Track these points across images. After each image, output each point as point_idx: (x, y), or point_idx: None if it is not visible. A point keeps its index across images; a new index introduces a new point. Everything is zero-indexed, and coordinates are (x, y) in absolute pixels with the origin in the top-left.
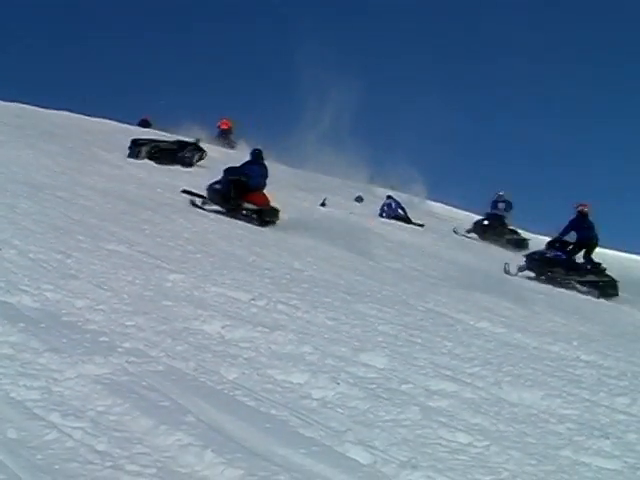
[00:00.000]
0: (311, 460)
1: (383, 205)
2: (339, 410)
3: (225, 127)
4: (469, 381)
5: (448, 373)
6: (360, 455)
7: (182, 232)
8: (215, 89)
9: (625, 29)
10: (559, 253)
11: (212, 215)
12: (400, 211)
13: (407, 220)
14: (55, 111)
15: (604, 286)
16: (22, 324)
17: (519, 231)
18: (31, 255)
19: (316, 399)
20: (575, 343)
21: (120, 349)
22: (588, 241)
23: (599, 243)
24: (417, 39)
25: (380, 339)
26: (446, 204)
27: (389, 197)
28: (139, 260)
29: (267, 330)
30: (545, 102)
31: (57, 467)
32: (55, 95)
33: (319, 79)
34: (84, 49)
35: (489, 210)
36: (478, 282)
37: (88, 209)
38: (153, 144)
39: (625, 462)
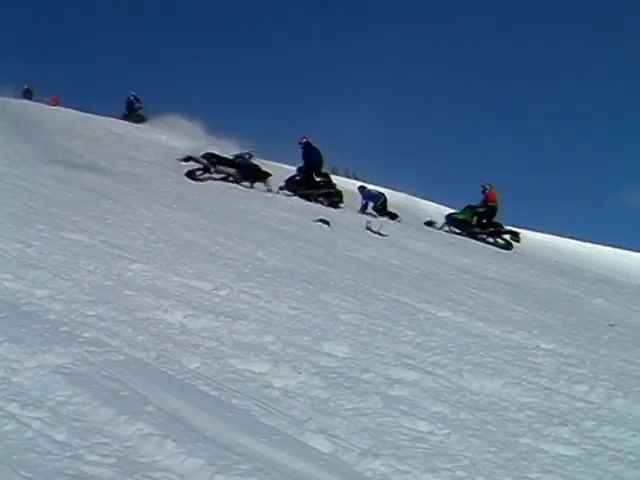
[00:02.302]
0: (272, 449)
1: (364, 201)
2: (300, 399)
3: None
4: (430, 370)
5: (410, 362)
6: (321, 444)
7: (144, 222)
8: None
9: None
10: (302, 174)
11: (175, 204)
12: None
13: (384, 211)
14: (15, 99)
15: (331, 196)
16: None
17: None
18: None
19: (278, 388)
20: (535, 332)
21: (80, 339)
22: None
23: None
24: None
25: (342, 328)
26: (408, 194)
27: (362, 188)
28: (100, 250)
29: (229, 320)
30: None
31: (15, 457)
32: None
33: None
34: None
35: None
36: (440, 272)
37: (49, 198)
38: (214, 159)
39: (583, 449)
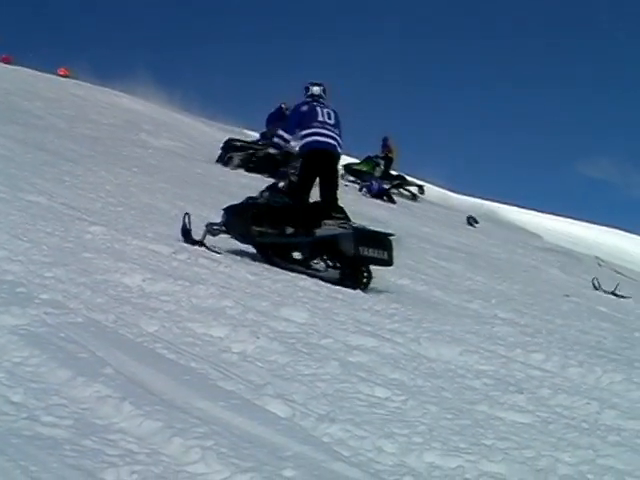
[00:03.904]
0: (230, 413)
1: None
2: (259, 364)
3: (62, 74)
4: (389, 337)
5: (368, 329)
6: (279, 408)
7: (104, 184)
8: None
9: None
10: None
11: (135, 168)
12: (384, 186)
13: (389, 197)
14: None
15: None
16: None
17: None
18: None
19: (236, 353)
20: (493, 301)
21: (38, 300)
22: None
23: None
24: None
25: (301, 294)
26: None
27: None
28: (59, 212)
29: (188, 284)
30: None
31: None
32: None
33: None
34: None
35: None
36: (400, 240)
37: (7, 159)
38: (250, 150)
39: (538, 416)
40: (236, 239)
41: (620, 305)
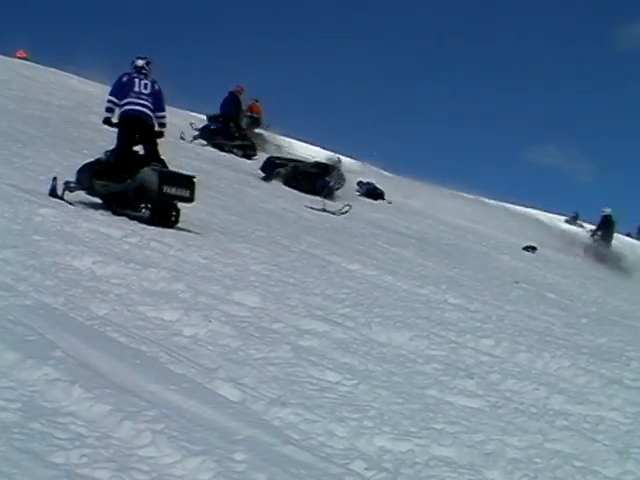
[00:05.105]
0: (181, 396)
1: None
2: (210, 347)
3: (20, 56)
4: (340, 321)
5: (319, 313)
6: (230, 392)
7: (53, 166)
8: None
9: None
10: (219, 125)
11: (85, 150)
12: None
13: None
14: None
15: (245, 148)
16: None
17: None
18: None
19: (187, 336)
20: (443, 287)
21: None
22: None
23: None
24: None
25: (253, 279)
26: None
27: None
28: (8, 193)
29: (139, 267)
30: None
31: None
32: None
33: None
34: None
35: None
36: (351, 225)
37: None
38: (291, 164)
39: (487, 401)
40: (88, 193)
41: (568, 291)
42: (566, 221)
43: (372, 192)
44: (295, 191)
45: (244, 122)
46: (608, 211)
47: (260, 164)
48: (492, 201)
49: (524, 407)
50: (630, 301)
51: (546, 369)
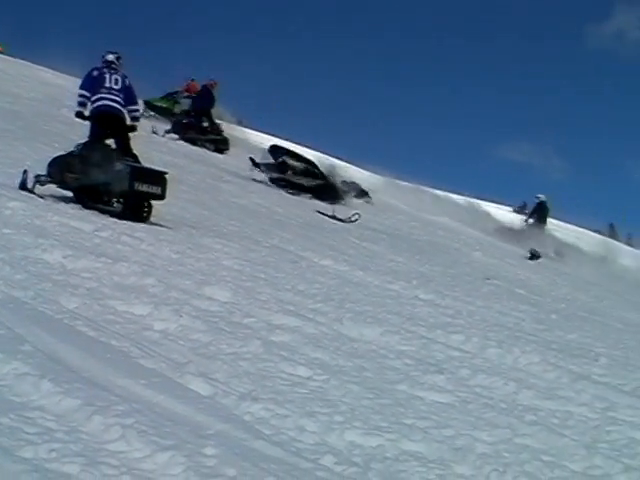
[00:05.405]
0: (151, 391)
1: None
2: (181, 342)
3: None
4: (311, 316)
5: (291, 308)
6: (201, 387)
7: (24, 159)
8: None
9: None
10: (192, 120)
11: (56, 144)
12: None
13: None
14: None
15: (217, 142)
16: None
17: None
18: None
19: (158, 331)
20: (414, 282)
21: None
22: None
23: None
24: None
25: (224, 273)
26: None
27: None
28: None
29: (110, 261)
30: None
31: None
32: None
33: None
34: None
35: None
36: (323, 221)
37: None
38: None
39: (457, 396)
40: (59, 187)
41: (539, 288)
42: (514, 211)
43: (359, 192)
44: (268, 186)
45: (185, 103)
46: (542, 197)
47: (234, 159)
48: (460, 197)
49: (494, 402)
50: (599, 297)
51: (516, 364)
